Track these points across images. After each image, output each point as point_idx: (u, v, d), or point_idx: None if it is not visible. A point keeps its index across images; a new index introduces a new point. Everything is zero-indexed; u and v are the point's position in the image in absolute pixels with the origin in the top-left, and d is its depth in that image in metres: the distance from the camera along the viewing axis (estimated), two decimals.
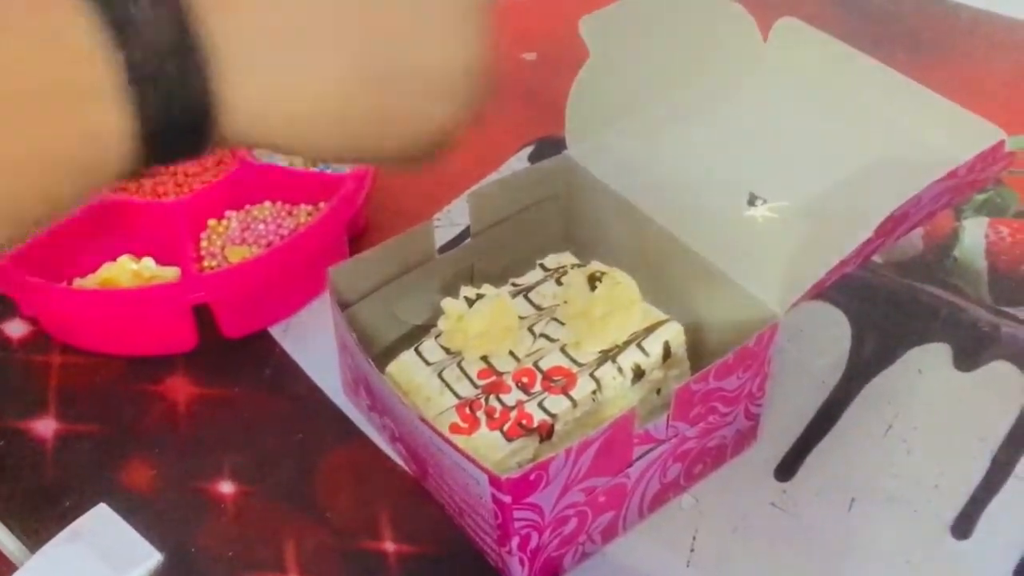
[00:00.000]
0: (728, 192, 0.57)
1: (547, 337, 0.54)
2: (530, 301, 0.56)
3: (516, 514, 0.47)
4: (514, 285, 0.57)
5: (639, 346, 0.52)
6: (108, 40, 0.29)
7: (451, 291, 0.57)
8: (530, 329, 0.54)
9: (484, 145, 0.74)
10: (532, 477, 0.46)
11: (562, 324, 0.54)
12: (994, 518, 0.54)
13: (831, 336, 0.63)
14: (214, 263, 0.66)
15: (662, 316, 0.54)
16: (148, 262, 0.65)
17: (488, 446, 0.50)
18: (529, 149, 0.75)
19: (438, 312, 0.55)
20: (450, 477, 0.50)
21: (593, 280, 0.54)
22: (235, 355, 0.64)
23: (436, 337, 0.55)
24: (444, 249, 0.61)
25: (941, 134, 0.54)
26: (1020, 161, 0.70)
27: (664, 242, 0.57)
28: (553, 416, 0.50)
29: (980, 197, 0.69)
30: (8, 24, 0.29)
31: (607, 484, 0.50)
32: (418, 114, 0.36)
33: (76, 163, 0.30)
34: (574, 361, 0.52)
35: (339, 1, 0.34)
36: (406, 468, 0.58)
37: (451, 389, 0.52)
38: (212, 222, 0.68)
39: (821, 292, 0.54)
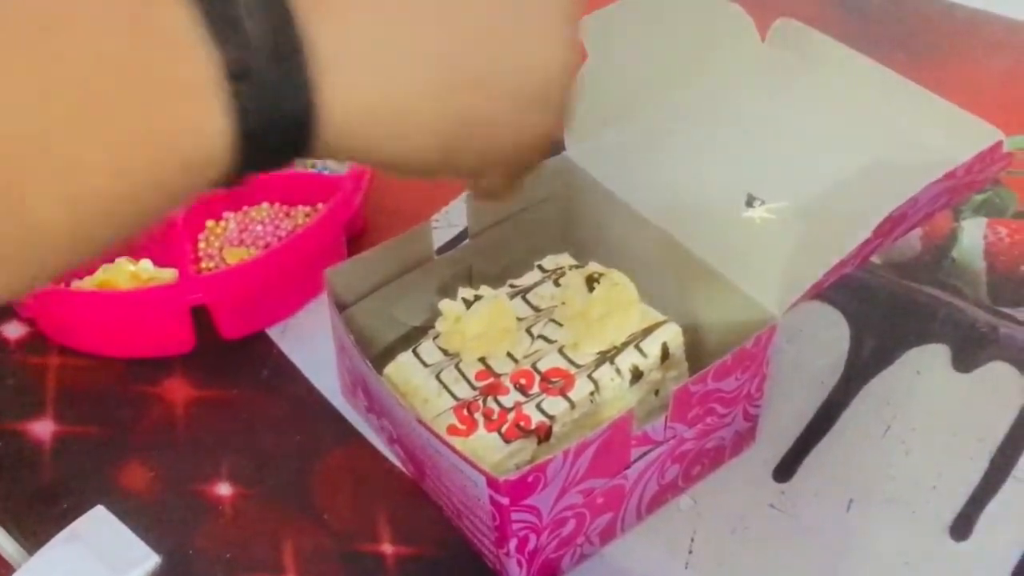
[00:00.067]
0: (726, 193, 0.57)
1: (545, 338, 0.54)
2: (528, 302, 0.56)
3: (514, 516, 0.47)
4: (512, 286, 0.57)
5: (637, 347, 0.52)
6: (210, 37, 0.29)
7: (449, 292, 0.57)
8: (528, 330, 0.54)
9: None
10: (530, 479, 0.46)
11: (560, 325, 0.54)
12: (993, 519, 0.54)
13: (829, 337, 0.63)
14: (212, 264, 0.66)
15: (660, 317, 0.54)
16: (146, 264, 0.65)
17: (486, 448, 0.49)
18: None
19: (436, 313, 0.55)
20: (448, 479, 0.50)
21: (591, 281, 0.54)
22: (233, 356, 0.64)
23: (434, 338, 0.55)
24: (442, 250, 0.61)
25: (939, 135, 0.54)
26: (1018, 162, 0.70)
27: (662, 243, 0.57)
28: (551, 417, 0.50)
29: (978, 198, 0.69)
30: (111, 20, 0.29)
31: (605, 485, 0.50)
32: (515, 122, 0.37)
33: (178, 160, 0.30)
34: (572, 362, 0.52)
35: (437, 9, 0.34)
36: (404, 470, 0.57)
37: (449, 390, 0.52)
38: (210, 223, 0.68)
39: (819, 293, 0.54)
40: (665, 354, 0.53)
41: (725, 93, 0.62)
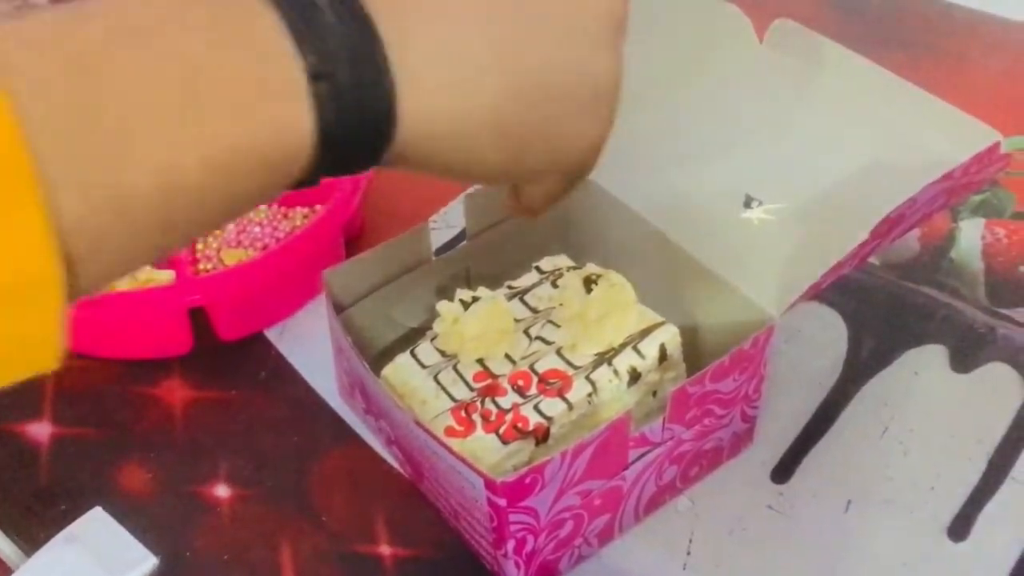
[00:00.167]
0: (724, 194, 0.57)
1: (543, 340, 0.54)
2: (526, 304, 0.56)
3: (511, 517, 0.47)
4: (510, 288, 0.57)
5: (635, 348, 0.52)
6: (294, 43, 0.31)
7: (447, 294, 0.57)
8: (526, 332, 0.54)
9: None
10: (527, 480, 0.46)
11: (558, 327, 0.54)
12: (991, 520, 0.54)
13: (827, 338, 0.63)
14: (210, 266, 0.66)
15: (658, 318, 0.54)
16: None
17: (484, 449, 0.49)
18: None
19: (434, 315, 0.55)
20: (446, 480, 0.50)
21: (589, 282, 0.54)
22: (231, 358, 0.64)
23: (432, 340, 0.55)
24: (440, 252, 0.61)
25: (937, 136, 0.54)
26: (1016, 162, 0.70)
27: (660, 244, 0.57)
28: (549, 419, 0.50)
29: (977, 198, 0.69)
30: (197, 23, 0.30)
31: (603, 487, 0.50)
32: (573, 127, 0.38)
33: (264, 157, 0.31)
34: (570, 364, 0.52)
35: (500, 18, 0.35)
36: (402, 471, 0.57)
37: (447, 392, 0.52)
38: None
39: (817, 294, 0.54)
40: (663, 355, 0.53)
41: (723, 94, 0.62)
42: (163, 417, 0.61)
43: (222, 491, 0.57)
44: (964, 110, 0.54)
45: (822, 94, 0.59)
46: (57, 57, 0.28)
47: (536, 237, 0.61)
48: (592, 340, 0.53)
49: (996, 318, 0.63)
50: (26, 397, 0.62)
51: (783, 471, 0.57)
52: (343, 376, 0.59)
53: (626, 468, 0.50)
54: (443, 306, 0.54)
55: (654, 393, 0.54)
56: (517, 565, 0.50)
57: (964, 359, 0.61)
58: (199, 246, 0.67)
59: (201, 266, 0.66)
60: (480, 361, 0.53)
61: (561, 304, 0.54)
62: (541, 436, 0.50)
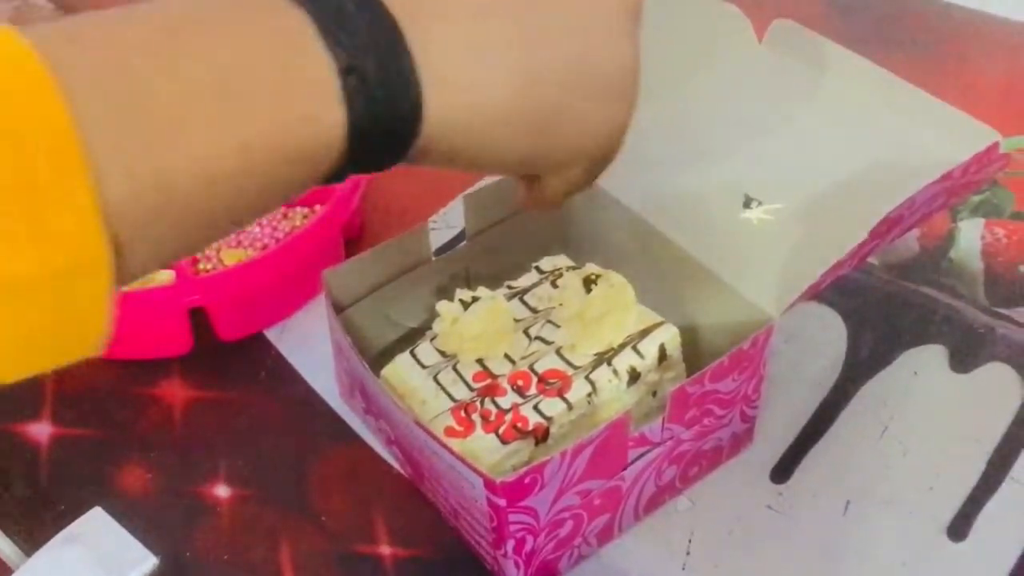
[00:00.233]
0: (724, 194, 0.57)
1: (542, 340, 0.54)
2: (526, 304, 0.56)
3: (511, 517, 0.47)
4: (509, 288, 0.57)
5: (634, 348, 0.52)
6: (322, 39, 0.33)
7: (447, 294, 0.57)
8: (525, 332, 0.54)
9: None
10: (527, 480, 0.46)
11: (557, 327, 0.54)
12: (990, 520, 0.54)
13: (827, 338, 0.63)
14: (209, 266, 0.66)
15: (657, 318, 0.54)
16: None
17: (483, 449, 0.50)
18: None
19: (433, 315, 0.55)
20: (445, 480, 0.50)
21: (588, 282, 0.54)
22: (231, 358, 0.64)
23: (431, 340, 0.55)
24: (440, 252, 0.61)
25: (936, 136, 0.54)
26: (1016, 162, 0.70)
27: (659, 244, 0.57)
28: (548, 419, 0.50)
29: (976, 198, 0.69)
30: (231, 25, 0.32)
31: (602, 487, 0.50)
32: (594, 113, 0.39)
33: (298, 147, 0.33)
34: (569, 364, 0.52)
35: (515, 13, 0.37)
36: (402, 471, 0.57)
37: (446, 392, 0.52)
38: None
39: (817, 294, 0.54)
40: (662, 355, 0.53)
41: (722, 94, 0.62)
42: (163, 417, 0.61)
43: (222, 491, 0.57)
44: (964, 110, 0.54)
45: (821, 94, 0.59)
46: (103, 55, 0.30)
47: (536, 237, 0.61)
48: (592, 340, 0.53)
49: (995, 318, 0.63)
50: (26, 397, 0.62)
51: (782, 471, 0.57)
52: (343, 376, 0.59)
53: (626, 468, 0.50)
54: (443, 306, 0.54)
55: (654, 393, 0.54)
56: (517, 565, 0.50)
57: (963, 359, 0.61)
58: None
59: (201, 266, 0.66)
60: (480, 361, 0.53)
61: (561, 304, 0.54)
62: (541, 436, 0.50)
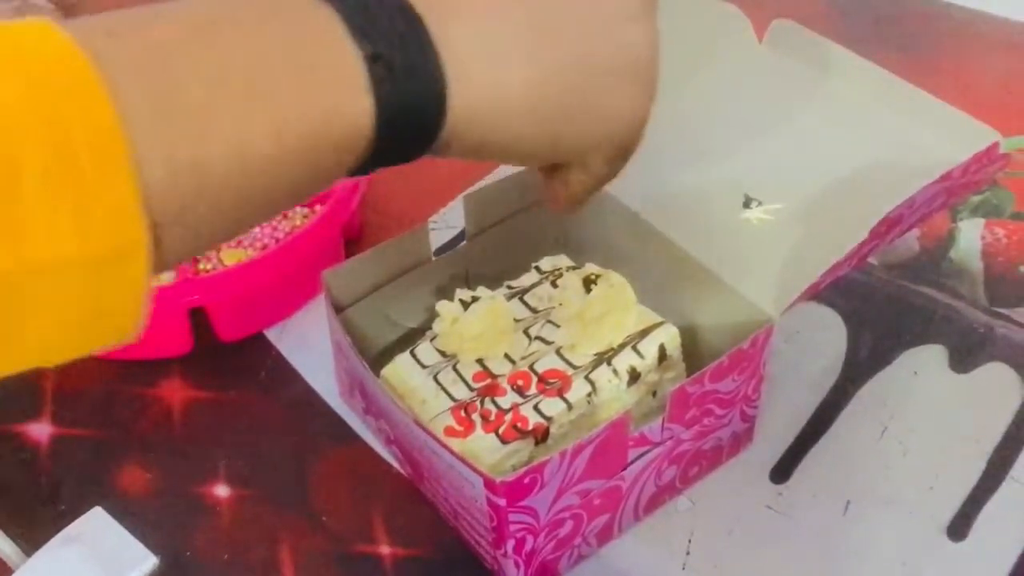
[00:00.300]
0: (723, 194, 0.57)
1: (542, 340, 0.54)
2: (525, 304, 0.56)
3: (511, 517, 0.47)
4: (509, 288, 0.57)
5: (634, 348, 0.52)
6: (349, 33, 0.34)
7: (446, 294, 0.57)
8: (525, 332, 0.54)
9: None
10: (527, 480, 0.46)
11: (557, 326, 0.54)
12: (990, 520, 0.54)
13: (827, 338, 0.63)
14: (209, 266, 0.66)
15: (657, 318, 0.54)
16: None
17: (483, 449, 0.50)
18: None
19: (433, 315, 0.55)
20: (445, 480, 0.50)
21: (588, 282, 0.54)
22: (231, 358, 0.64)
23: (431, 340, 0.55)
24: (440, 252, 0.61)
25: (936, 136, 0.54)
26: (1016, 162, 0.70)
27: (659, 244, 0.57)
28: (548, 419, 0.50)
29: (976, 198, 0.69)
30: (260, 20, 0.33)
31: (602, 487, 0.50)
32: (614, 99, 0.40)
33: (328, 137, 0.34)
34: (569, 363, 0.52)
35: (533, 4, 0.37)
36: (402, 471, 0.57)
37: (446, 392, 0.52)
38: None
39: (816, 294, 0.54)
40: (662, 355, 0.53)
41: (721, 94, 0.62)
42: (163, 417, 0.61)
43: (222, 491, 0.57)
44: (963, 110, 0.54)
45: (821, 94, 0.59)
46: (141, 48, 0.31)
47: (536, 237, 0.61)
48: (592, 340, 0.53)
49: (995, 318, 0.63)
50: (26, 397, 0.62)
51: (782, 471, 0.57)
52: (343, 376, 0.59)
53: (625, 468, 0.50)
54: (443, 306, 0.54)
55: (654, 393, 0.54)
56: (517, 565, 0.50)
57: (963, 359, 0.61)
58: None
59: (201, 266, 0.66)
60: (480, 361, 0.53)
61: (561, 304, 0.54)
62: (540, 436, 0.50)
